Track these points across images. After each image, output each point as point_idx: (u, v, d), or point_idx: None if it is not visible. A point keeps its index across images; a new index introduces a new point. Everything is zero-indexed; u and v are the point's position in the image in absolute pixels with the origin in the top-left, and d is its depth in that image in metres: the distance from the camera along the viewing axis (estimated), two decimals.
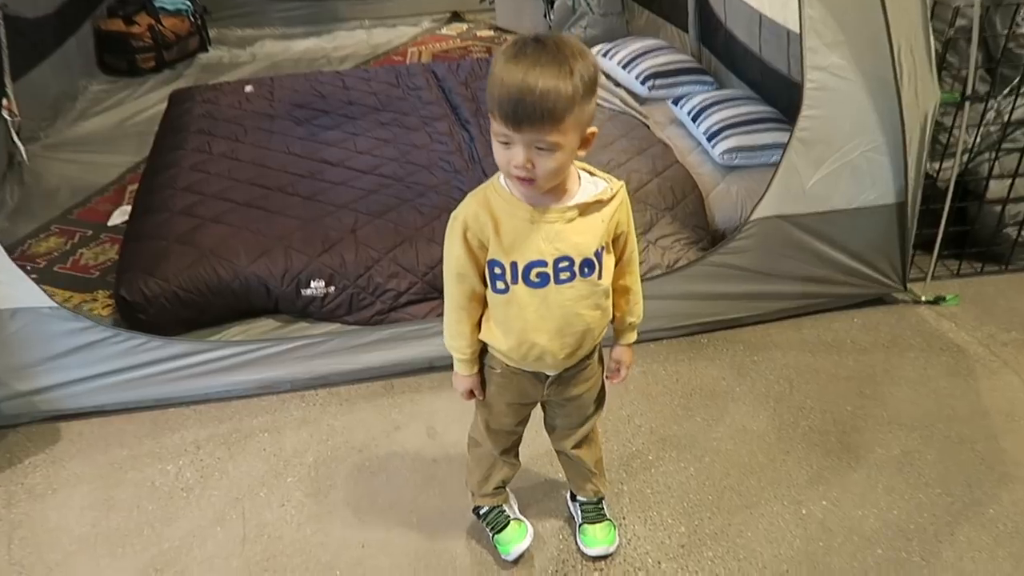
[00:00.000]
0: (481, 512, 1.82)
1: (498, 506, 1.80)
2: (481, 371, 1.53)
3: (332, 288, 2.45)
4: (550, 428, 1.72)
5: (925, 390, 2.28)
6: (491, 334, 1.45)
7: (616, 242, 1.44)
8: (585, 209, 1.36)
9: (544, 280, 1.37)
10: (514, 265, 1.35)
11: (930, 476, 1.99)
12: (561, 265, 1.36)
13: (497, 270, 1.36)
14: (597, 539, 1.79)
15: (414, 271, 2.48)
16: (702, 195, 2.81)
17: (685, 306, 2.47)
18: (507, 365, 1.50)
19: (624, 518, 1.89)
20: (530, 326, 1.41)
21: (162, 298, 2.38)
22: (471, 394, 1.54)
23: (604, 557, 1.79)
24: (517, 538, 1.77)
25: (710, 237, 2.68)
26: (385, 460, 2.07)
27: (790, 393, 2.27)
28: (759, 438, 2.12)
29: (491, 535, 1.79)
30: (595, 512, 1.82)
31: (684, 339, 2.48)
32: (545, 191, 1.31)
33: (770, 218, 2.38)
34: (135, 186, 3.23)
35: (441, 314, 1.50)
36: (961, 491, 1.95)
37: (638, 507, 1.92)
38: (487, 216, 1.33)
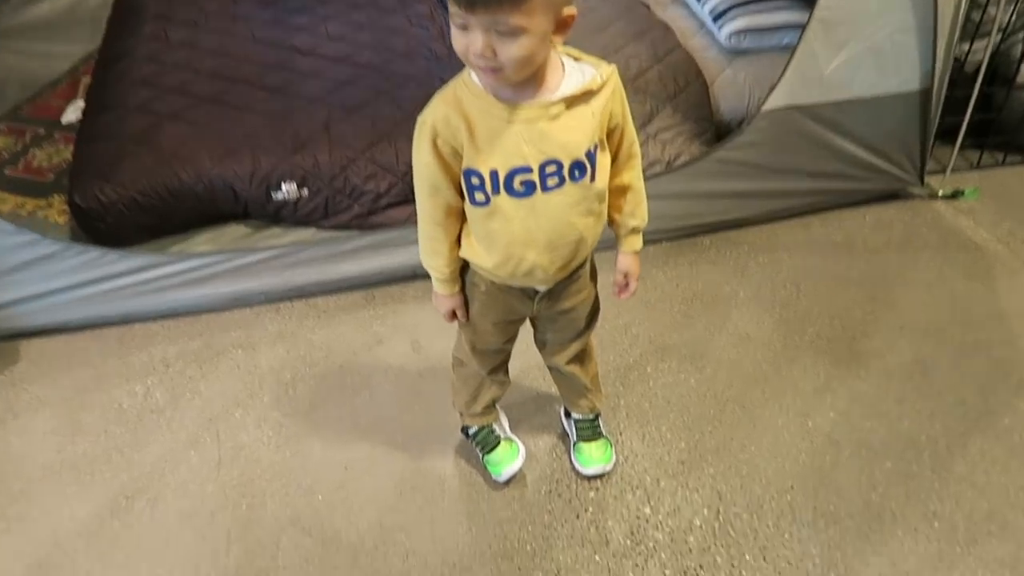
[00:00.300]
0: (470, 432, 1.71)
1: (488, 425, 1.70)
2: (463, 289, 1.38)
3: (305, 191, 2.26)
4: (541, 344, 1.59)
5: (940, 293, 2.15)
6: (473, 251, 1.29)
7: (611, 136, 1.25)
8: (572, 102, 1.16)
9: (530, 188, 1.19)
10: (494, 174, 1.17)
11: (943, 384, 1.89)
12: (548, 170, 1.17)
13: (475, 180, 1.18)
14: (593, 458, 1.69)
15: (393, 171, 2.28)
16: (706, 83, 2.58)
17: (687, 206, 2.30)
18: (492, 283, 1.34)
19: (621, 433, 1.79)
20: (517, 240, 1.24)
21: (119, 204, 2.19)
22: (453, 315, 1.40)
23: (600, 476, 1.69)
24: (508, 459, 1.68)
25: (714, 129, 2.47)
26: (367, 376, 1.95)
27: (797, 298, 2.14)
28: (764, 346, 2.00)
29: (481, 455, 1.70)
30: (590, 429, 1.72)
31: (685, 241, 2.33)
32: (520, 83, 1.12)
33: (782, 109, 2.17)
34: (89, 78, 2.96)
35: None
36: (975, 400, 1.85)
37: (636, 422, 1.82)
38: (459, 118, 1.14)
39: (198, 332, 2.08)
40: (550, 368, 1.66)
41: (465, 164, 1.17)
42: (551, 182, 1.18)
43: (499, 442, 1.69)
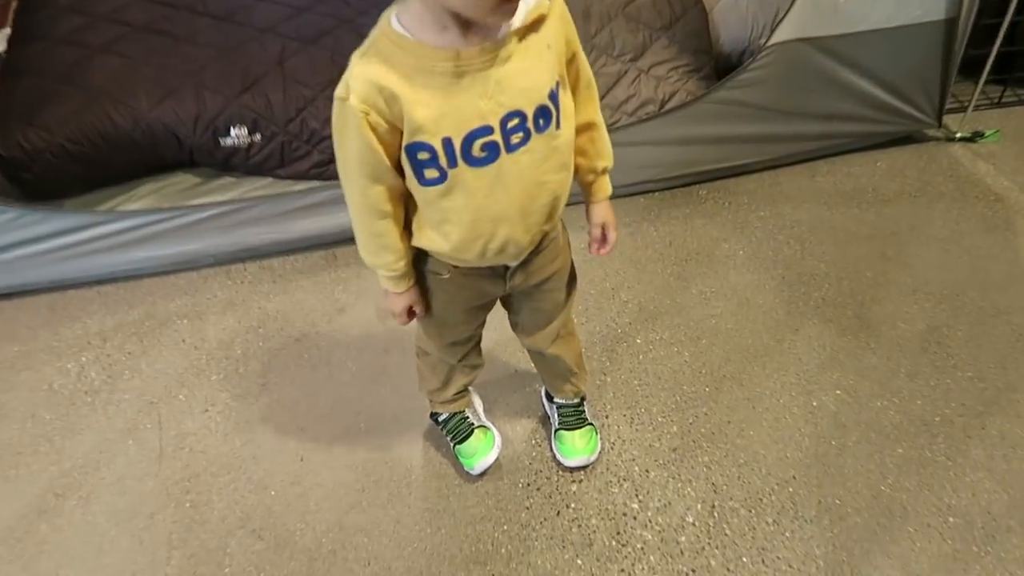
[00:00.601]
0: (440, 419, 1.54)
1: (460, 412, 1.52)
2: (420, 280, 1.18)
3: (257, 136, 2.02)
4: (518, 326, 1.40)
5: (957, 250, 1.96)
6: (427, 238, 1.08)
7: (569, 67, 1.05)
8: (523, 34, 0.95)
9: (493, 152, 0.97)
10: (447, 143, 0.95)
11: (959, 357, 1.72)
12: (511, 125, 0.97)
13: (423, 155, 0.96)
14: (576, 448, 1.53)
15: None
16: (705, 10, 2.31)
17: (682, 152, 2.07)
18: (455, 267, 1.14)
19: (607, 416, 1.62)
20: (484, 216, 1.03)
21: (47, 153, 1.95)
22: (410, 312, 1.19)
23: (583, 468, 1.54)
24: (483, 450, 1.51)
25: (713, 63, 2.22)
26: (327, 351, 1.75)
27: (801, 256, 1.94)
28: (765, 314, 1.82)
29: (452, 445, 1.53)
30: (574, 416, 1.55)
31: (679, 191, 2.11)
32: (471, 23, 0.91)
33: (792, 42, 1.92)
34: (17, 2, 2.64)
35: None
36: (994, 374, 1.69)
37: (623, 402, 1.65)
38: (392, 83, 0.91)
39: (138, 300, 1.87)
40: (530, 352, 1.48)
41: (408, 139, 0.95)
42: (515, 139, 0.98)
43: (472, 431, 1.52)
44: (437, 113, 0.93)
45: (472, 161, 0.97)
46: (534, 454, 1.57)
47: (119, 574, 1.40)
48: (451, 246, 1.07)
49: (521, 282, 1.21)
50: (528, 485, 1.52)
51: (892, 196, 2.10)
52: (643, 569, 1.40)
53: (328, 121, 2.12)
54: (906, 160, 2.21)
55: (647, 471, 1.54)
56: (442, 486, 1.52)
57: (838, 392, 1.66)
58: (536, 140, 1.00)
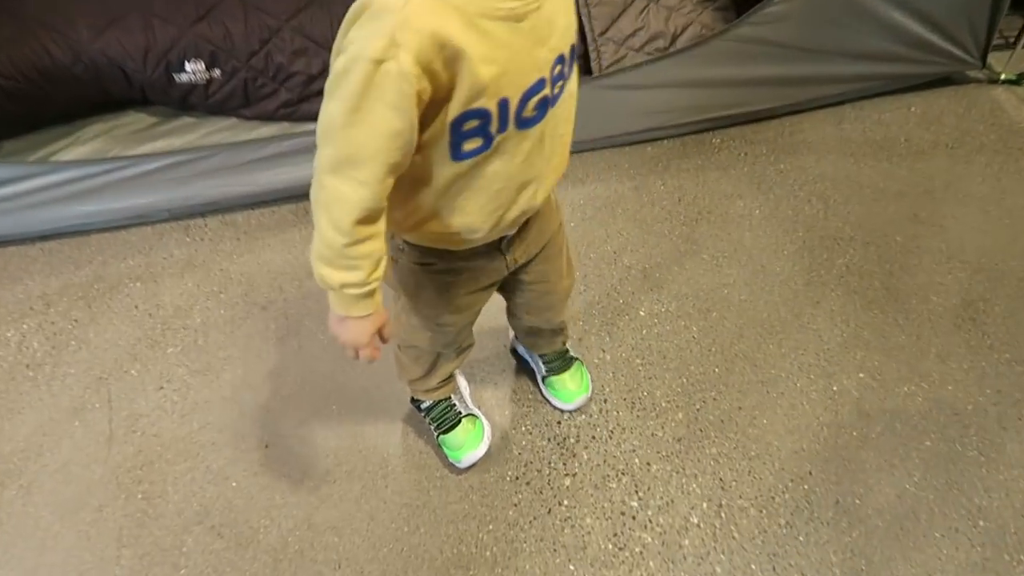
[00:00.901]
0: (423, 407, 1.38)
1: (445, 399, 1.37)
2: (402, 277, 1.00)
3: (216, 72, 1.79)
4: (519, 312, 1.24)
5: (997, 211, 1.77)
6: (425, 228, 0.90)
7: None
8: None
9: (543, 110, 0.82)
10: (504, 105, 0.78)
11: (996, 336, 1.56)
12: (556, 72, 0.82)
13: (471, 124, 0.77)
14: (570, 391, 1.42)
15: (328, 46, 1.79)
16: None
17: (695, 96, 1.85)
18: (450, 253, 0.96)
19: (605, 400, 1.47)
20: (513, 183, 0.88)
21: None
22: (374, 340, 0.93)
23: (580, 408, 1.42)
24: (471, 442, 1.36)
25: None
26: (296, 321, 1.58)
27: (824, 217, 1.75)
28: (783, 283, 1.64)
29: (436, 435, 1.37)
30: (561, 358, 1.42)
31: (691, 139, 1.90)
32: None
33: None
34: None
35: None
36: None
37: (623, 384, 1.49)
38: (456, 37, 0.70)
39: (86, 259, 1.68)
40: (530, 330, 1.33)
41: (460, 107, 0.75)
42: (557, 88, 0.84)
43: (459, 420, 1.36)
44: (500, 70, 0.74)
45: (522, 123, 0.81)
46: (524, 443, 1.42)
47: (63, 573, 1.27)
48: (461, 227, 0.89)
49: (522, 252, 1.05)
50: (517, 479, 1.37)
51: (927, 147, 1.89)
52: (641, 575, 1.27)
53: (295, 55, 1.89)
54: (943, 105, 1.99)
55: (648, 464, 1.39)
56: (422, 479, 1.37)
57: (861, 375, 1.50)
58: (568, 84, 0.86)
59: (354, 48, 0.70)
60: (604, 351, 1.53)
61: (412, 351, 1.23)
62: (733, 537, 1.31)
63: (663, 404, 1.46)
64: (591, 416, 1.44)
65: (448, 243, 0.94)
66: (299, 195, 1.76)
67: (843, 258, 1.68)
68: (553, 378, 1.43)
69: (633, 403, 1.46)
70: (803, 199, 1.78)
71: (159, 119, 1.87)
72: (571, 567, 1.28)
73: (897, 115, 1.97)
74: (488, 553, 1.29)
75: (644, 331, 1.56)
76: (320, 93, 2.01)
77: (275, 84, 1.82)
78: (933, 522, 1.33)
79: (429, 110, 0.75)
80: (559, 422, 1.44)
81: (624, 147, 1.87)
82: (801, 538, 1.31)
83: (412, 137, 0.75)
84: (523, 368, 1.50)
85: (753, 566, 1.28)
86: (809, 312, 1.59)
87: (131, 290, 1.62)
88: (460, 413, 1.37)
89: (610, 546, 1.30)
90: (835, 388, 1.48)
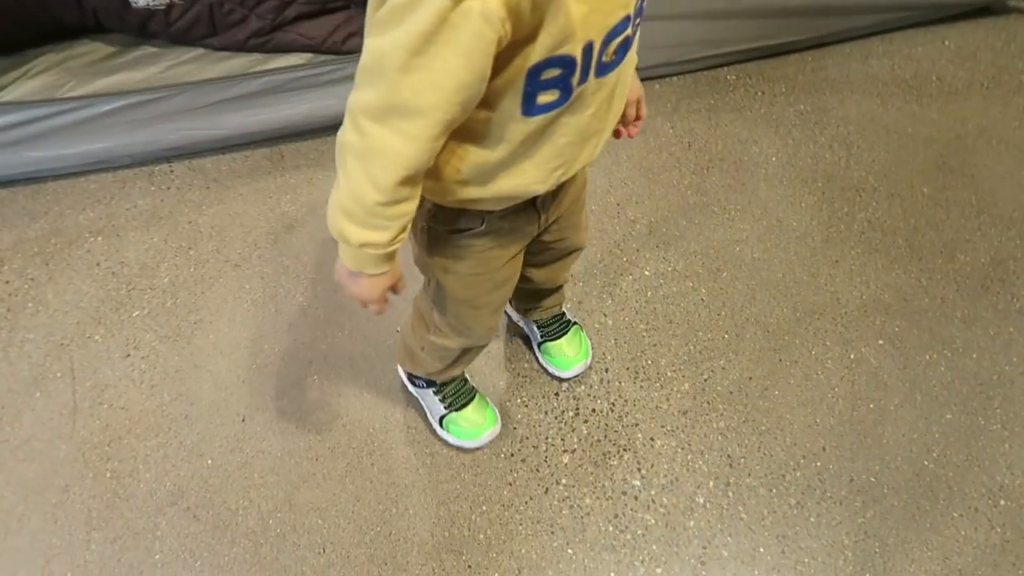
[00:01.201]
0: (435, 385, 1.26)
1: (460, 376, 1.26)
2: (432, 248, 0.91)
3: None
4: (528, 272, 1.11)
5: None
6: (489, 186, 0.78)
7: None
8: None
9: (623, 52, 0.72)
10: (588, 49, 0.67)
11: None
12: (638, 5, 0.72)
13: (552, 73, 0.66)
14: (568, 357, 1.33)
15: None
16: None
17: (709, 28, 1.67)
18: (491, 214, 0.86)
19: (606, 369, 1.37)
20: (580, 137, 0.77)
21: None
22: (385, 295, 0.82)
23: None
24: (490, 418, 1.27)
25: None
26: (273, 281, 1.46)
27: (846, 165, 1.62)
28: (799, 240, 1.52)
29: (445, 412, 1.26)
30: (558, 322, 1.32)
31: (703, 76, 1.73)
32: None
33: None
34: None
35: (353, 36, 0.80)
36: None
37: (627, 351, 1.39)
38: None
39: (41, 210, 1.54)
40: (529, 292, 1.23)
41: (544, 53, 0.64)
42: (636, 25, 0.73)
43: (474, 395, 1.27)
44: (589, 8, 0.64)
45: (601, 69, 0.71)
46: (519, 417, 1.32)
47: (30, 560, 1.19)
48: (515, 189, 0.79)
49: (555, 212, 0.95)
50: (512, 456, 1.29)
51: (960, 87, 1.73)
52: (644, 559, 1.20)
53: None
54: (980, 39, 1.82)
55: (652, 440, 1.30)
56: (410, 456, 1.28)
57: (880, 342, 1.40)
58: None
59: None
60: (605, 315, 1.42)
61: (435, 352, 1.12)
62: (741, 518, 1.24)
63: (668, 374, 1.37)
64: (591, 387, 1.35)
65: (488, 204, 0.82)
66: (273, 138, 1.61)
67: (865, 212, 1.55)
68: (549, 344, 1.33)
69: (636, 372, 1.37)
70: (824, 145, 1.64)
71: (117, 49, 1.70)
72: (569, 551, 1.21)
73: (929, 49, 1.80)
74: (482, 536, 1.22)
75: (649, 293, 1.45)
76: (296, 19, 1.80)
77: (244, 10, 1.64)
78: (952, 501, 1.26)
79: (505, 54, 0.62)
80: (557, 394, 1.34)
81: None
82: (812, 519, 1.24)
83: (481, 89, 0.63)
84: (517, 333, 1.40)
85: (761, 549, 1.21)
86: (827, 272, 1.48)
87: (92, 245, 1.49)
88: (475, 389, 1.28)
89: (611, 528, 1.23)
90: (852, 356, 1.39)
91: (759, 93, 1.72)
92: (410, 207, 0.72)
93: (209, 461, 1.28)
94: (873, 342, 1.40)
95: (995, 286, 1.46)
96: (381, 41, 0.61)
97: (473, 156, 0.73)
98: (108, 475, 1.26)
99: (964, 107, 1.70)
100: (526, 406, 1.33)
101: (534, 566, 1.20)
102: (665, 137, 1.64)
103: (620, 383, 1.35)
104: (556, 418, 1.32)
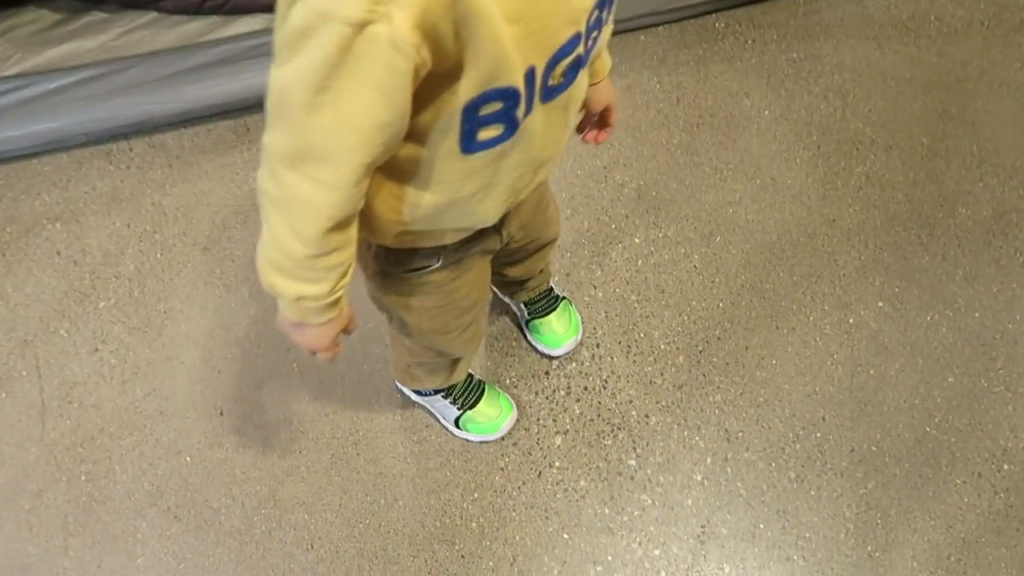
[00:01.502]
0: (441, 393, 1.20)
1: (468, 376, 1.21)
2: (385, 288, 0.84)
3: None
4: (500, 269, 1.06)
5: None
6: (437, 226, 0.71)
7: None
8: None
9: (573, 73, 0.62)
10: (531, 76, 0.57)
11: None
12: (593, 19, 0.61)
13: (491, 108, 0.56)
14: (557, 334, 1.27)
15: None
16: None
17: None
18: (445, 245, 0.77)
19: (597, 345, 1.32)
20: (531, 166, 0.69)
21: None
22: (337, 340, 0.75)
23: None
24: (506, 406, 1.23)
25: None
26: (244, 264, 1.38)
27: (842, 116, 1.54)
28: (794, 198, 1.45)
29: (459, 413, 1.20)
30: (546, 299, 1.26)
31: (690, 24, 1.64)
32: None
33: None
34: None
35: None
36: None
37: (617, 324, 1.33)
38: None
39: None
40: (508, 281, 1.16)
41: (478, 87, 0.54)
42: (592, 40, 0.63)
43: (484, 389, 1.22)
44: (525, 30, 0.53)
45: (547, 94, 0.61)
46: (509, 396, 1.27)
47: (5, 570, 1.15)
48: (467, 224, 0.73)
49: (518, 228, 0.88)
50: (502, 440, 1.24)
51: (959, 27, 1.65)
52: (641, 541, 1.18)
53: None
54: None
55: (647, 417, 1.26)
56: (397, 444, 1.24)
57: (880, 304, 1.35)
58: (603, 33, 0.67)
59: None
60: (595, 287, 1.36)
61: (425, 367, 1.06)
62: (740, 494, 1.21)
63: (662, 347, 1.32)
64: (582, 364, 1.30)
65: (441, 240, 0.75)
66: (237, 110, 1.51)
67: (862, 166, 1.48)
68: (537, 321, 1.27)
69: (629, 347, 1.31)
70: (818, 95, 1.56)
71: (64, 15, 1.57)
72: (565, 535, 1.18)
73: None
74: (474, 524, 1.19)
75: (639, 262, 1.39)
76: None
77: None
78: (954, 467, 1.23)
79: (427, 88, 0.53)
80: (547, 372, 1.29)
81: (612, 37, 1.62)
82: (812, 492, 1.21)
83: (403, 126, 0.55)
84: (504, 310, 1.34)
85: (761, 525, 1.19)
86: (824, 232, 1.42)
87: (51, 233, 1.41)
88: (483, 382, 1.22)
89: (607, 510, 1.20)
90: (851, 320, 1.34)
91: (749, 41, 1.62)
92: (345, 255, 0.62)
93: (188, 458, 1.23)
94: (872, 304, 1.35)
95: (997, 240, 1.41)
96: (282, 73, 0.51)
97: (410, 197, 0.64)
98: (83, 478, 1.21)
99: (964, 48, 1.61)
100: (515, 387, 1.28)
101: (529, 553, 1.17)
102: (652, 93, 1.56)
103: (612, 359, 1.30)
104: (547, 398, 1.27)
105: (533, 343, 1.30)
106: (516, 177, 0.67)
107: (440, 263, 0.79)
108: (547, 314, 1.27)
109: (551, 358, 1.30)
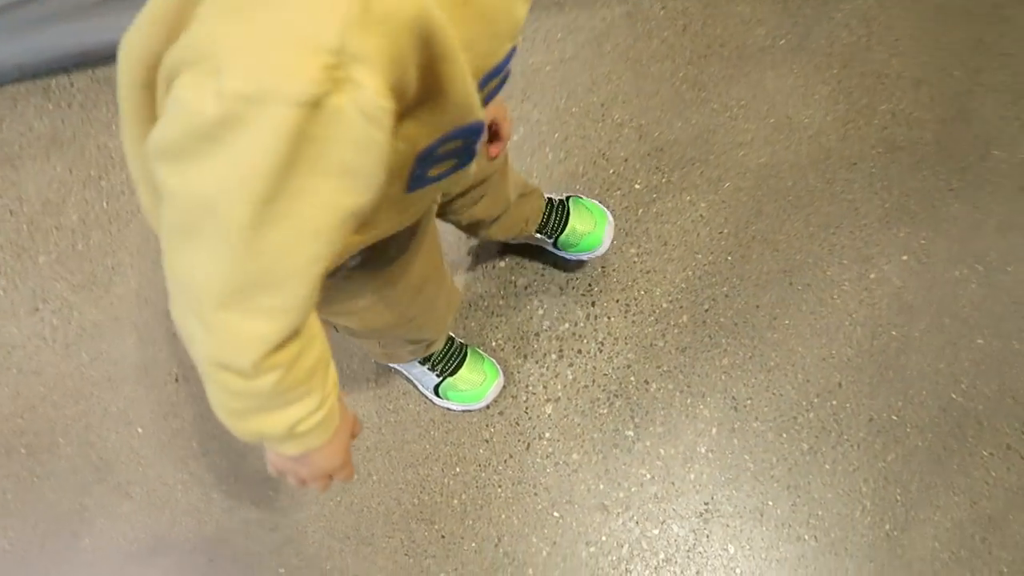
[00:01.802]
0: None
1: (449, 339, 1.08)
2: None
3: None
4: (466, 218, 0.92)
5: None
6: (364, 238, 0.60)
7: None
8: None
9: (500, 87, 0.56)
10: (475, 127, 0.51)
11: None
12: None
13: (452, 145, 0.49)
14: (591, 233, 1.10)
15: None
16: None
17: None
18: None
19: (593, 303, 1.19)
20: (458, 177, 0.60)
21: None
22: (349, 455, 0.62)
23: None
24: (490, 371, 1.10)
25: None
26: None
27: (866, 46, 1.38)
28: (811, 139, 1.31)
29: (438, 380, 1.08)
30: (555, 213, 1.09)
31: None
32: None
33: None
34: None
35: None
36: None
37: (615, 281, 1.21)
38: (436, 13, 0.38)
39: None
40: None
41: (434, 133, 0.46)
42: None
43: (466, 354, 1.09)
44: (472, 54, 0.45)
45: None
46: (496, 359, 1.16)
47: None
48: (391, 228, 0.62)
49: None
50: (487, 408, 1.13)
51: None
52: (638, 519, 1.08)
53: None
54: None
55: (647, 383, 1.15)
56: (371, 414, 1.13)
57: (904, 258, 1.23)
58: None
59: (241, 76, 0.34)
60: None
61: (402, 345, 0.94)
62: (747, 468, 1.10)
63: (664, 305, 1.19)
64: (575, 324, 1.18)
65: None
66: None
67: (888, 103, 1.34)
68: (562, 237, 1.10)
69: (627, 305, 1.19)
70: (840, 22, 1.40)
71: None
72: (555, 513, 1.08)
73: None
74: (456, 501, 1.08)
75: (640, 211, 1.25)
76: None
77: None
78: (982, 438, 1.13)
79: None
80: (536, 334, 1.17)
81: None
82: (827, 466, 1.11)
83: (373, 193, 0.41)
84: (484, 259, 1.20)
85: (770, 502, 1.09)
86: (844, 177, 1.28)
87: None
88: (464, 345, 1.10)
89: (601, 486, 1.09)
90: (872, 276, 1.22)
91: None
92: (316, 350, 0.49)
93: (139, 429, 1.12)
94: (896, 258, 1.23)
95: None
96: (192, 182, 0.38)
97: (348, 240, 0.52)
98: (23, 451, 1.10)
99: None
100: (501, 350, 1.16)
101: (515, 532, 1.07)
102: (655, 20, 1.39)
103: (609, 318, 1.18)
104: (537, 362, 1.15)
105: (574, 260, 1.15)
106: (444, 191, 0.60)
107: (359, 259, 0.65)
108: (565, 225, 1.10)
109: (603, 259, 1.14)
